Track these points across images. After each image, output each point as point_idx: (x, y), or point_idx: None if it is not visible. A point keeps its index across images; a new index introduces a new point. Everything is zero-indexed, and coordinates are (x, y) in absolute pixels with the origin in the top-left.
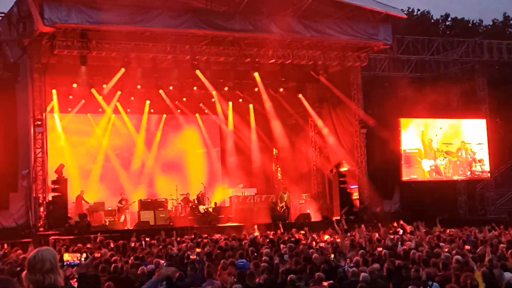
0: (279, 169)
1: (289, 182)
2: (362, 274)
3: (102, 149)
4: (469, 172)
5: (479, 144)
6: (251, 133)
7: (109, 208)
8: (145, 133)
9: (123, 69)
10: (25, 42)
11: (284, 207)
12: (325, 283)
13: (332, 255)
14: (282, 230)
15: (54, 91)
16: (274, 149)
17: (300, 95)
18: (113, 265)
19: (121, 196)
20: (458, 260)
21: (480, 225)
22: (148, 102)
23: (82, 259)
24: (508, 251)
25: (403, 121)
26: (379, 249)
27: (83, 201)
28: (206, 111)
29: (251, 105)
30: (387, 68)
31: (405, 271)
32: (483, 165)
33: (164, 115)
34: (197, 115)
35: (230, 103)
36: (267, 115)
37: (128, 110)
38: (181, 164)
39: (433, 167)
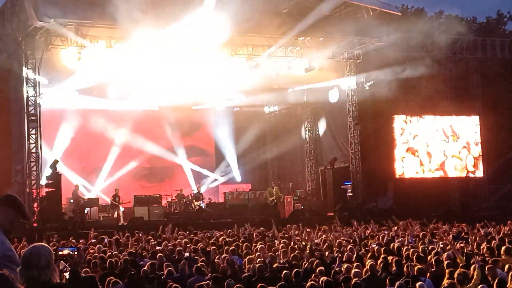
0: (273, 165)
1: (283, 179)
2: (354, 270)
3: (98, 145)
4: (477, 171)
5: (475, 141)
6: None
7: (103, 204)
8: (140, 127)
9: (118, 65)
10: (19, 37)
11: (275, 201)
12: (319, 279)
13: (327, 252)
14: (275, 227)
15: (48, 86)
16: (270, 146)
17: (296, 88)
18: (109, 260)
19: (115, 192)
20: (449, 256)
21: (473, 222)
22: (145, 96)
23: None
24: (501, 247)
25: (397, 117)
26: (373, 245)
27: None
28: (200, 107)
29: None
30: (381, 65)
31: (398, 267)
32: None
33: (157, 108)
34: (193, 107)
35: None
36: (264, 111)
37: (123, 106)
38: (177, 161)
39: (436, 164)
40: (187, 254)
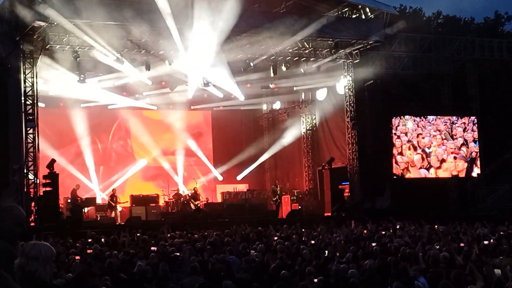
0: (271, 165)
1: (281, 179)
2: (350, 270)
3: (94, 143)
4: (475, 169)
5: (473, 141)
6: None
7: (101, 203)
8: (139, 126)
9: (116, 64)
10: (17, 36)
11: (278, 200)
12: (315, 279)
13: (325, 252)
14: (272, 228)
15: (45, 84)
16: (268, 145)
17: (295, 88)
18: (108, 260)
19: (112, 192)
20: (445, 256)
21: (471, 222)
22: (142, 95)
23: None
24: (498, 248)
25: (395, 118)
26: (373, 244)
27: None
28: (198, 107)
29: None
30: (379, 65)
31: (395, 267)
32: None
33: (155, 107)
34: (192, 107)
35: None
36: (262, 111)
37: (121, 104)
38: (173, 159)
39: (437, 162)
40: (177, 254)
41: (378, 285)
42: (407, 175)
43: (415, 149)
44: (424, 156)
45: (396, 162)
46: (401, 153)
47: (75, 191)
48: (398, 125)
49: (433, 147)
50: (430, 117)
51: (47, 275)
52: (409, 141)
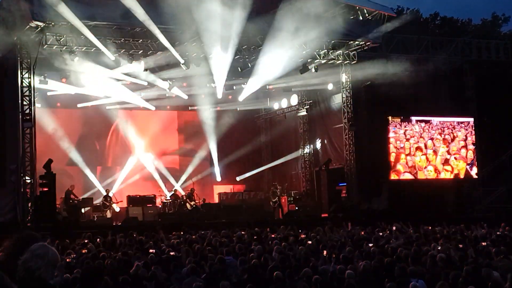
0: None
1: (278, 180)
2: (347, 271)
3: (92, 143)
4: (473, 170)
5: (470, 143)
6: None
7: (98, 204)
8: (137, 127)
9: (114, 64)
10: (14, 36)
11: (277, 202)
12: (312, 280)
13: (322, 253)
14: (269, 229)
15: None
16: (265, 146)
17: (292, 89)
18: (102, 261)
19: (106, 192)
20: (442, 258)
21: (467, 224)
22: (141, 95)
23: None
24: (493, 249)
25: (392, 119)
26: (370, 245)
27: (71, 197)
28: (195, 107)
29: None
30: (376, 66)
31: (392, 268)
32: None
33: (154, 108)
34: (190, 108)
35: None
36: (260, 112)
37: (119, 105)
38: (172, 161)
39: (439, 163)
40: (173, 253)
41: (374, 286)
42: (410, 176)
43: (420, 150)
44: (428, 157)
45: (407, 163)
46: (409, 154)
47: (69, 191)
48: (406, 129)
49: (437, 148)
50: (434, 121)
51: (49, 278)
52: (415, 143)
